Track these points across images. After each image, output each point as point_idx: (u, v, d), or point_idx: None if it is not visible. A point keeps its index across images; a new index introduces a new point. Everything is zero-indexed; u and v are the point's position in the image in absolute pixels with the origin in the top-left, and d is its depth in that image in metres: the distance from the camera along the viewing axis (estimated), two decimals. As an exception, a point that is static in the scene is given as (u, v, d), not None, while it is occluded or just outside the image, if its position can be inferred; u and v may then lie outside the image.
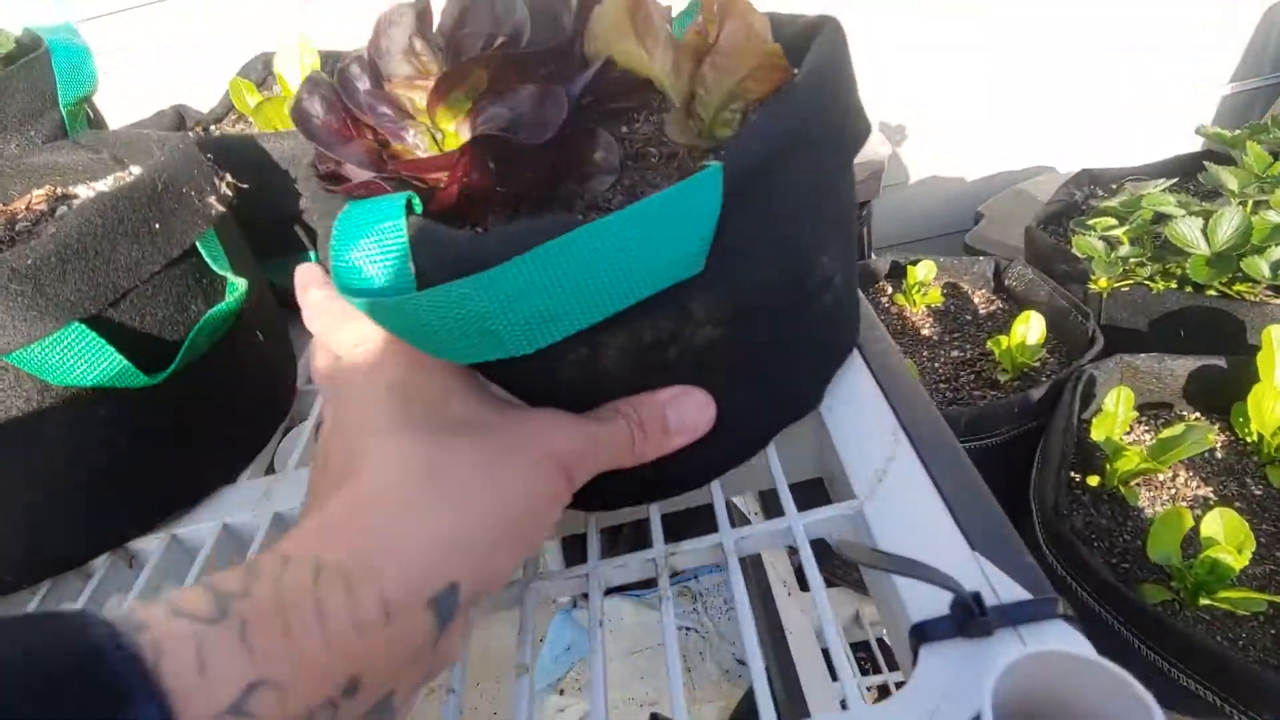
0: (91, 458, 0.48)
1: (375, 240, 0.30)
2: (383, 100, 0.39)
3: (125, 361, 0.46)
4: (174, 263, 0.49)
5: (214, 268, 0.52)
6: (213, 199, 0.53)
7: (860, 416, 0.47)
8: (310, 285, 0.37)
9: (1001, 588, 0.36)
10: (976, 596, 0.34)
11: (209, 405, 0.53)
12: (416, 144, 0.39)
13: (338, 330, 0.35)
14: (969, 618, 0.34)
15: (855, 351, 0.52)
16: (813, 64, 0.34)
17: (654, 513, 0.46)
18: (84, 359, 0.45)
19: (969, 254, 1.93)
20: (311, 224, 0.69)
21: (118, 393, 0.47)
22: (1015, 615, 0.35)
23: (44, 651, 0.20)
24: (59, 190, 0.64)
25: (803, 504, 0.44)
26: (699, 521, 0.45)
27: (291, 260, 0.69)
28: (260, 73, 0.87)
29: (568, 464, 0.33)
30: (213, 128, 0.83)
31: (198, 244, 0.51)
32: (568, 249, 0.28)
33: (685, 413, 0.36)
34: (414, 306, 0.30)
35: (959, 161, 2.34)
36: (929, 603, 0.35)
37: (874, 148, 1.98)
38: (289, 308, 0.71)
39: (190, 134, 0.82)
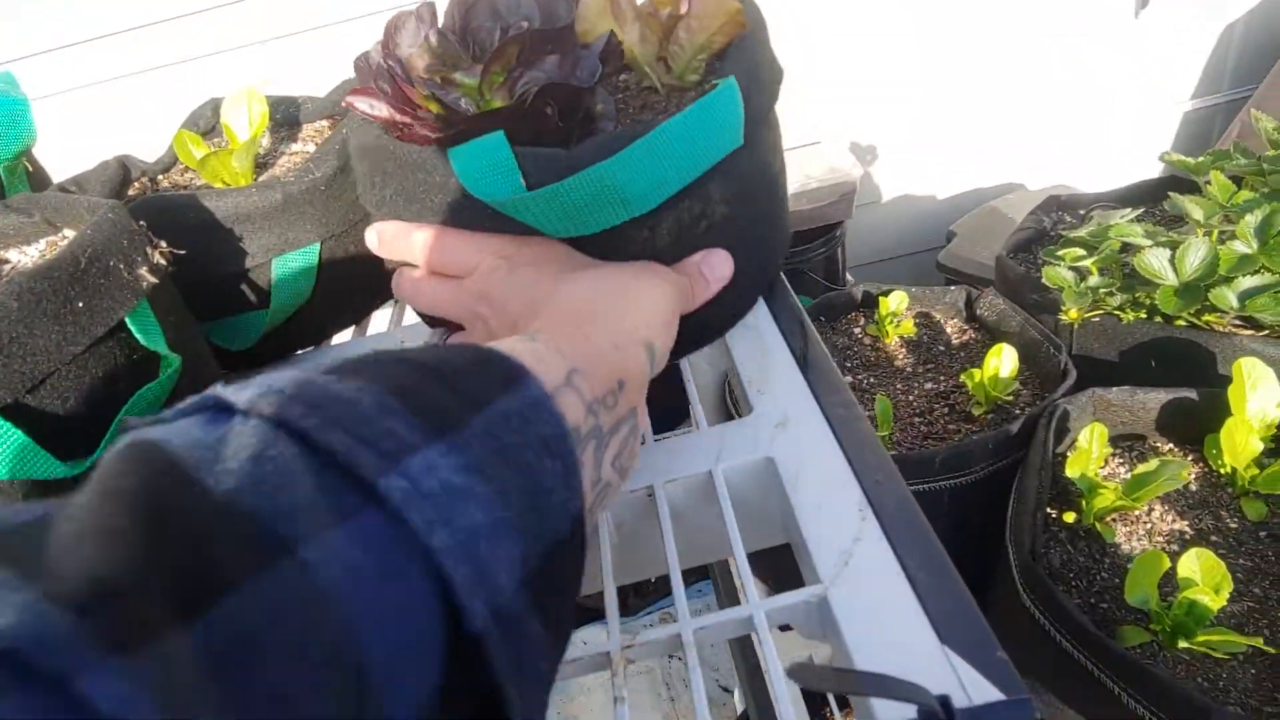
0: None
1: (494, 162, 0.44)
2: (437, 80, 0.51)
3: (42, 451, 0.43)
4: (99, 340, 0.47)
5: (144, 343, 0.49)
6: (144, 270, 0.51)
7: (825, 489, 0.45)
8: (410, 231, 0.50)
9: (972, 687, 0.35)
10: (944, 701, 0.32)
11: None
12: (468, 108, 0.50)
13: (487, 241, 0.47)
14: (937, 727, 0.32)
15: (819, 413, 0.50)
16: (751, 21, 0.51)
17: (609, 589, 0.44)
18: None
19: (941, 272, 1.93)
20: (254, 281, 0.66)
21: (40, 484, 0.44)
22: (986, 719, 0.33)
23: (452, 352, 0.31)
24: (-12, 254, 0.61)
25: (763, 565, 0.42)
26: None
27: (239, 320, 0.67)
28: (209, 120, 0.84)
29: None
30: (160, 177, 0.81)
31: (127, 319, 0.49)
32: (667, 133, 0.44)
33: (716, 266, 0.49)
34: (566, 189, 0.43)
35: (930, 180, 2.35)
36: (897, 710, 0.34)
37: (845, 169, 1.98)
38: (233, 369, 0.69)
39: (135, 185, 0.79)
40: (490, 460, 0.26)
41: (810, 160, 2.01)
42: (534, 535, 0.27)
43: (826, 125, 2.13)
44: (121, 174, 0.79)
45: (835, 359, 1.09)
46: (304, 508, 0.22)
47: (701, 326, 0.52)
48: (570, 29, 0.53)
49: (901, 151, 2.25)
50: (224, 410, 0.25)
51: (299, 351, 0.73)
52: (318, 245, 0.68)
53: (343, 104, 0.61)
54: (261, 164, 0.77)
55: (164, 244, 0.53)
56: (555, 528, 0.28)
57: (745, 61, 0.49)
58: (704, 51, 0.52)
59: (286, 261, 0.65)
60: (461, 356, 0.30)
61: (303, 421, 0.24)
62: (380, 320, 0.79)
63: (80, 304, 0.46)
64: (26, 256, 0.60)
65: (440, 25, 0.55)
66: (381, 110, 0.51)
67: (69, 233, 0.60)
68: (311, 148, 0.80)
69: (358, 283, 0.71)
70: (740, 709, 1.34)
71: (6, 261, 0.60)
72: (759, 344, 0.59)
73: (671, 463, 0.50)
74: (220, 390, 0.26)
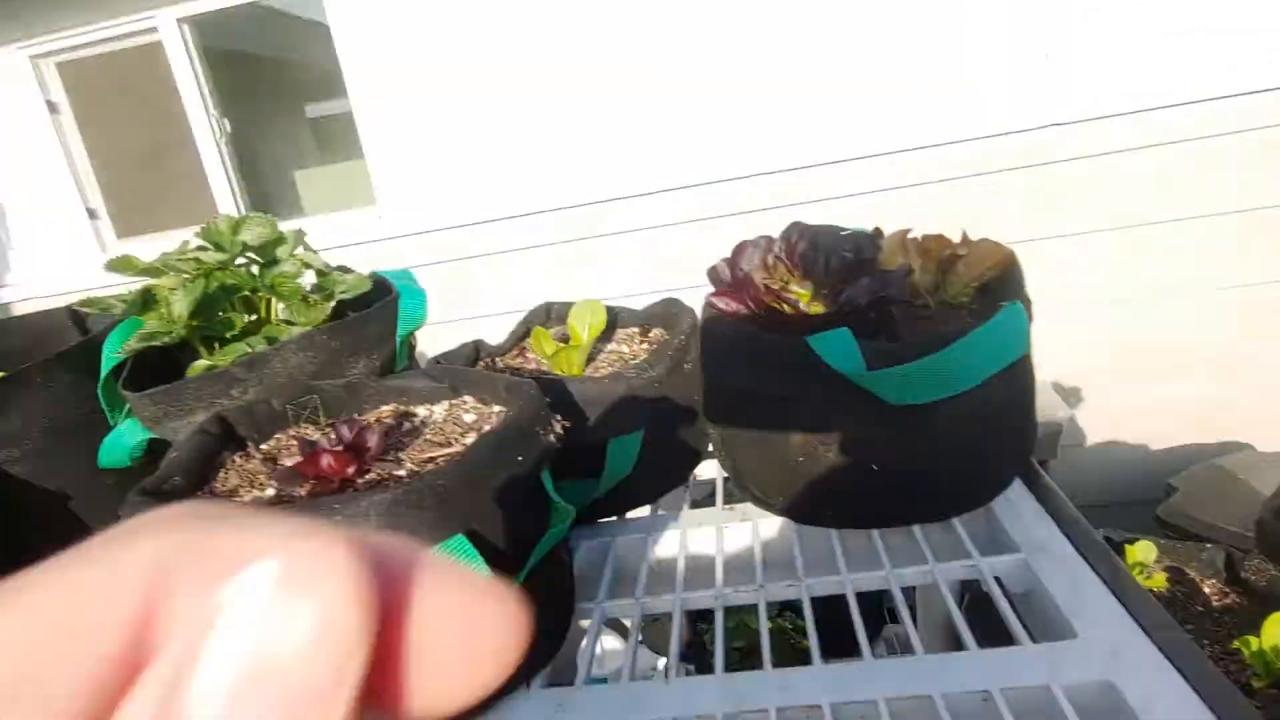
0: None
1: (844, 348, 0.63)
2: (776, 288, 0.74)
3: (488, 570, 0.53)
4: (526, 489, 0.58)
5: (551, 495, 0.60)
6: (550, 436, 0.63)
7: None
8: None
9: None
10: None
11: (537, 604, 0.59)
12: (794, 313, 0.72)
13: None
14: None
15: (1149, 643, 0.52)
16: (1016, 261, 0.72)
17: None
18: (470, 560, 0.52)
19: (1163, 528, 1.82)
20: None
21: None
22: None
23: None
24: (402, 408, 0.77)
25: None
26: None
27: (577, 485, 0.78)
28: (542, 318, 1.02)
29: None
30: (499, 359, 0.98)
31: (541, 473, 0.60)
32: (988, 332, 0.61)
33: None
34: (905, 371, 0.62)
35: (1141, 428, 2.28)
36: None
37: (1052, 408, 1.97)
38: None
39: (482, 363, 0.96)
40: None
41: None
42: None
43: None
44: (474, 353, 0.97)
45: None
46: None
47: (956, 492, 0.69)
48: (875, 260, 0.73)
49: (1109, 394, 2.22)
50: None
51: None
52: (642, 431, 0.79)
53: (705, 302, 0.78)
54: (589, 358, 0.92)
55: (559, 416, 0.66)
56: None
57: (1017, 290, 0.69)
58: (976, 281, 0.74)
59: (621, 441, 0.77)
60: None
61: None
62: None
63: (519, 458, 0.58)
64: (431, 413, 0.75)
65: (775, 251, 0.76)
66: (732, 306, 0.75)
67: (468, 398, 0.75)
68: (625, 349, 0.95)
69: (673, 460, 0.82)
70: None
71: (414, 415, 0.75)
72: (1060, 567, 0.62)
73: (997, 673, 0.53)
74: None
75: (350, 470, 0.63)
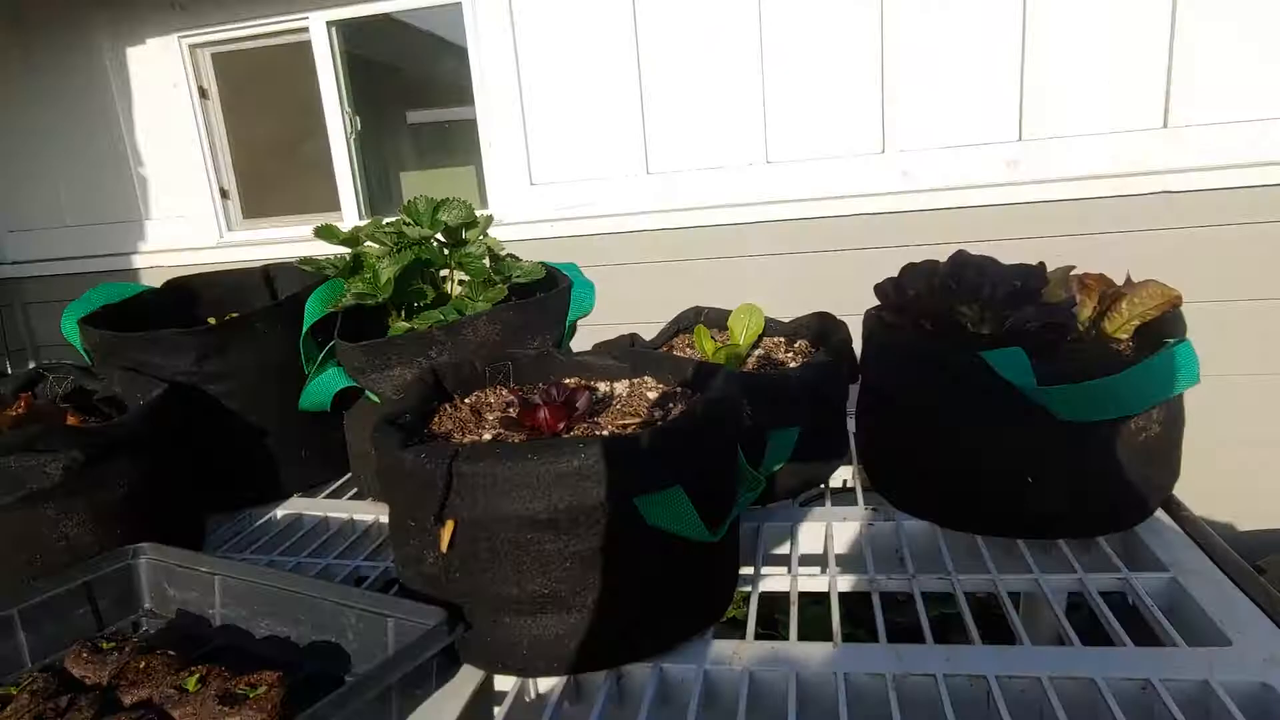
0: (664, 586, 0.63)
1: (1018, 364, 0.70)
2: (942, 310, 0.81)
3: (700, 522, 0.60)
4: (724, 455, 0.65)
5: (744, 465, 0.67)
6: (745, 414, 0.70)
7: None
8: None
9: None
10: None
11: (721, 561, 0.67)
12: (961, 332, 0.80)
13: None
14: None
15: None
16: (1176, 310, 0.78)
17: None
18: (678, 516, 0.60)
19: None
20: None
21: (685, 542, 0.61)
22: None
23: None
24: (584, 382, 0.85)
25: None
26: None
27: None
28: (692, 319, 1.10)
29: None
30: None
31: (737, 445, 0.67)
32: (1162, 362, 0.69)
33: None
34: (1101, 385, 0.69)
35: (1230, 509, 2.24)
36: None
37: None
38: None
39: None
40: None
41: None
42: None
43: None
44: (631, 344, 1.05)
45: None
46: None
47: (1106, 512, 0.75)
48: (1039, 292, 0.81)
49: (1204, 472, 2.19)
50: None
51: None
52: (799, 427, 0.86)
53: (868, 316, 0.84)
54: (742, 361, 1.00)
55: (746, 404, 0.73)
56: None
57: (1180, 332, 0.76)
58: (1138, 319, 0.79)
59: (781, 434, 0.84)
60: None
61: None
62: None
63: (723, 429, 0.65)
64: (616, 389, 0.83)
65: (940, 274, 0.83)
66: (901, 320, 0.83)
67: (649, 379, 0.83)
68: (775, 355, 1.03)
69: (819, 458, 0.89)
70: None
71: (598, 389, 0.83)
72: (1209, 586, 0.67)
73: (1156, 666, 0.58)
74: None
75: (560, 425, 0.71)
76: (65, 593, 0.70)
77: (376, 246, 1.00)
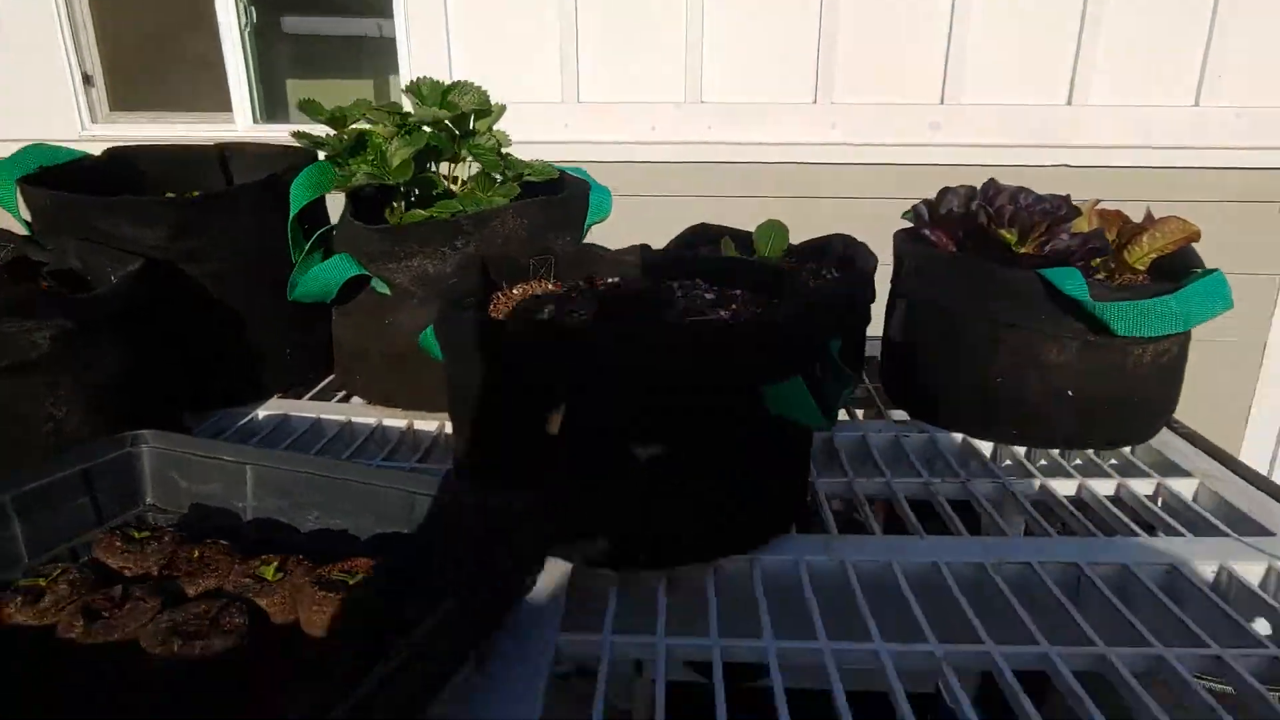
0: (766, 478, 0.61)
1: (1074, 280, 0.73)
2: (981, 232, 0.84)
3: (819, 411, 0.59)
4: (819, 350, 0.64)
5: (836, 360, 0.66)
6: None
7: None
8: None
9: None
10: None
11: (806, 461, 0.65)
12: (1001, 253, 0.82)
13: None
14: None
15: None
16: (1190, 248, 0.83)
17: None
18: (800, 404, 0.58)
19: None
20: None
21: (786, 436, 0.59)
22: None
23: None
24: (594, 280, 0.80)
25: None
26: None
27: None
28: (701, 236, 1.07)
29: None
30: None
31: (830, 342, 0.66)
32: (1211, 284, 0.74)
33: None
34: (1134, 306, 0.72)
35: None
36: None
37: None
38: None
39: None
40: None
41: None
42: None
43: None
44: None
45: None
46: None
47: (1135, 424, 0.81)
48: (1069, 221, 0.82)
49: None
50: None
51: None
52: (840, 339, 0.86)
53: (901, 237, 0.85)
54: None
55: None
56: None
57: (1200, 264, 0.81)
58: (1157, 252, 0.82)
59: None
60: None
61: None
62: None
63: (824, 325, 0.64)
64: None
65: (976, 200, 0.86)
66: (942, 240, 0.85)
67: (700, 280, 0.80)
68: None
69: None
70: None
71: (605, 283, 0.79)
72: (1235, 488, 0.73)
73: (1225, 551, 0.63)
74: None
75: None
76: (62, 480, 0.59)
77: (372, 128, 0.90)
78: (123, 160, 0.95)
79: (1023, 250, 0.82)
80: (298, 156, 0.96)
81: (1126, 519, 0.69)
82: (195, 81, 2.64)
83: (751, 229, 1.00)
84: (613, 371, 0.54)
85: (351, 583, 0.50)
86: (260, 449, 0.66)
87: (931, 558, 0.63)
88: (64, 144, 0.89)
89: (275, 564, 0.52)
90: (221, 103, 2.45)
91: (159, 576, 0.52)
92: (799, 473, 0.68)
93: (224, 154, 1.03)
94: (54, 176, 0.84)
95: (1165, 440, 0.83)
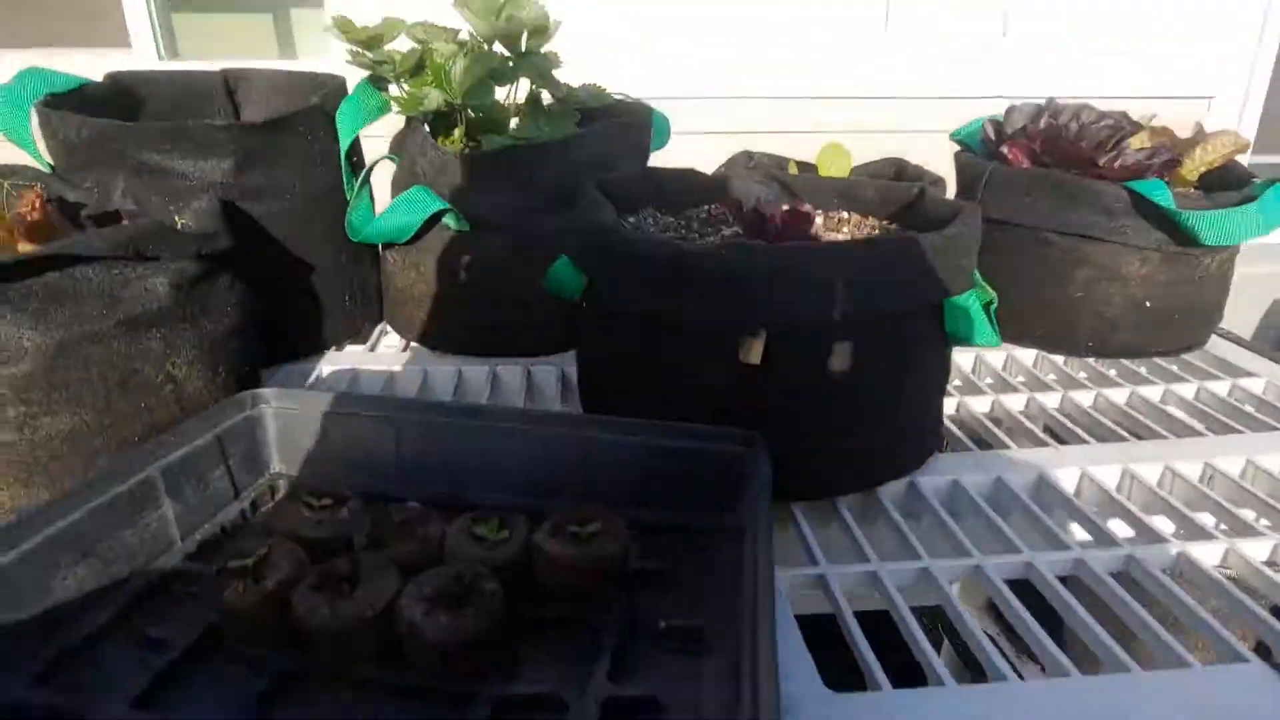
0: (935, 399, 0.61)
1: (1160, 191, 0.76)
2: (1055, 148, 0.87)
3: (993, 329, 0.59)
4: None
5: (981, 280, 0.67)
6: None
7: None
8: None
9: None
10: None
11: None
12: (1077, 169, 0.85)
13: None
14: None
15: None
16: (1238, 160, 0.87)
17: None
18: (977, 321, 0.58)
19: None
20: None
21: (947, 356, 0.59)
22: None
23: None
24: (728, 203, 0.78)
25: None
26: None
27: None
28: (745, 163, 1.04)
29: None
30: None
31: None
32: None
33: None
34: (1250, 211, 0.77)
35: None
36: None
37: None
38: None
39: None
40: None
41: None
42: None
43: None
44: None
45: None
46: None
47: (1199, 330, 0.87)
48: (1131, 136, 0.85)
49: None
50: None
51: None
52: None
53: (997, 154, 0.85)
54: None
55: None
56: None
57: (1248, 175, 0.85)
58: (1205, 166, 0.86)
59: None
60: None
61: None
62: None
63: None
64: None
65: (1042, 118, 0.89)
66: (1019, 157, 0.87)
67: (807, 205, 0.78)
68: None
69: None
70: None
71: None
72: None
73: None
74: None
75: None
76: (202, 449, 0.52)
77: (421, 46, 0.82)
78: (124, 87, 0.83)
79: (1100, 163, 0.85)
80: (312, 82, 0.87)
81: (1223, 417, 0.74)
82: (78, 15, 2.33)
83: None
84: (826, 287, 0.53)
85: (586, 532, 0.47)
86: (401, 398, 0.60)
87: (1079, 464, 0.65)
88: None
89: (494, 522, 0.48)
90: (115, 39, 2.17)
91: (366, 546, 0.47)
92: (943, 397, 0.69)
93: (228, 82, 0.92)
94: (64, 105, 0.73)
95: (1215, 344, 0.89)
